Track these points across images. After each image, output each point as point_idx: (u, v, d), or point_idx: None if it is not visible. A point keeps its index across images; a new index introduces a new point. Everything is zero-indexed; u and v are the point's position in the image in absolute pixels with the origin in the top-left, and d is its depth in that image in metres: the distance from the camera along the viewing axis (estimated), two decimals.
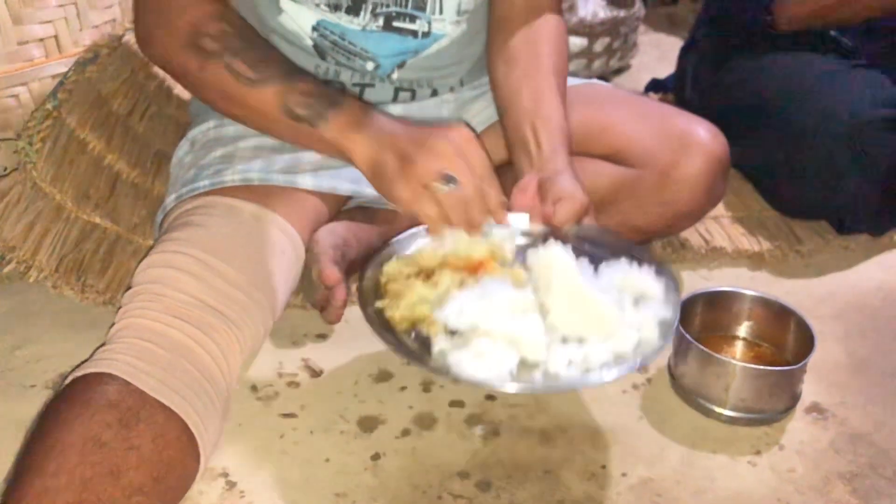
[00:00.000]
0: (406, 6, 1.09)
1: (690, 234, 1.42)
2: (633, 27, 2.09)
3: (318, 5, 1.07)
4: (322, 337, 1.20)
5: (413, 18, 1.10)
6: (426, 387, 1.11)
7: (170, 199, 1.09)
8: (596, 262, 0.92)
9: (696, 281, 1.34)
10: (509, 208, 0.95)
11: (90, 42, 1.40)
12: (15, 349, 1.15)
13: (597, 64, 2.03)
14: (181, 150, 1.18)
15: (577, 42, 1.96)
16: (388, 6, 1.08)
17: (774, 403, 1.06)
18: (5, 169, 1.36)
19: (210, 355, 0.87)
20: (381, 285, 0.92)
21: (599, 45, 2.01)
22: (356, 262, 1.21)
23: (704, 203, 1.16)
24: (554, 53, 1.13)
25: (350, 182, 1.09)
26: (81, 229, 1.26)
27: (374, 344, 1.18)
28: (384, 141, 0.92)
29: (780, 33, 1.52)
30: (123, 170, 1.37)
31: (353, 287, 1.26)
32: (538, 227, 0.96)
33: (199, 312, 0.88)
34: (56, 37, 1.36)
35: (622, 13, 2.05)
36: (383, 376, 1.13)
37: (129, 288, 0.92)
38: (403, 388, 1.11)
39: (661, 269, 0.93)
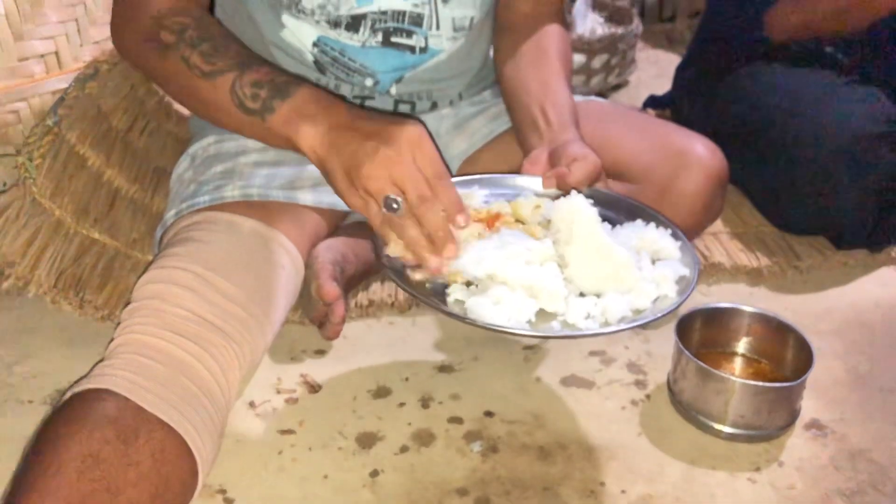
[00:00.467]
0: (403, 22, 1.09)
1: None
2: (631, 44, 2.10)
3: (318, 22, 1.08)
4: (320, 352, 1.19)
5: (410, 34, 1.11)
6: (425, 403, 1.11)
7: (169, 215, 1.09)
8: (611, 223, 0.92)
9: (695, 296, 1.32)
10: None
11: (90, 58, 1.41)
12: (13, 365, 1.15)
13: (595, 80, 2.04)
14: (181, 165, 1.19)
15: (575, 59, 1.97)
16: (385, 22, 1.09)
17: (774, 420, 1.06)
18: (5, 184, 1.36)
19: (209, 371, 0.86)
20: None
21: (598, 62, 2.02)
22: (355, 277, 1.21)
23: (703, 219, 1.17)
24: (559, 48, 1.17)
25: None
26: (80, 244, 1.26)
27: (373, 359, 1.18)
28: (332, 137, 0.86)
29: (775, 47, 1.53)
30: (123, 185, 1.38)
31: (352, 302, 1.26)
32: (552, 191, 0.95)
33: (199, 328, 0.88)
34: (57, 53, 1.37)
35: (620, 30, 2.06)
36: (382, 392, 1.12)
37: (128, 303, 0.92)
38: (402, 405, 1.11)
39: (676, 231, 0.92)
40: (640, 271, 0.86)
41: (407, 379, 1.15)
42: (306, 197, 1.09)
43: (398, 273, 0.86)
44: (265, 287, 0.97)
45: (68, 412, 0.79)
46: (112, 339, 0.88)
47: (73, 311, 1.20)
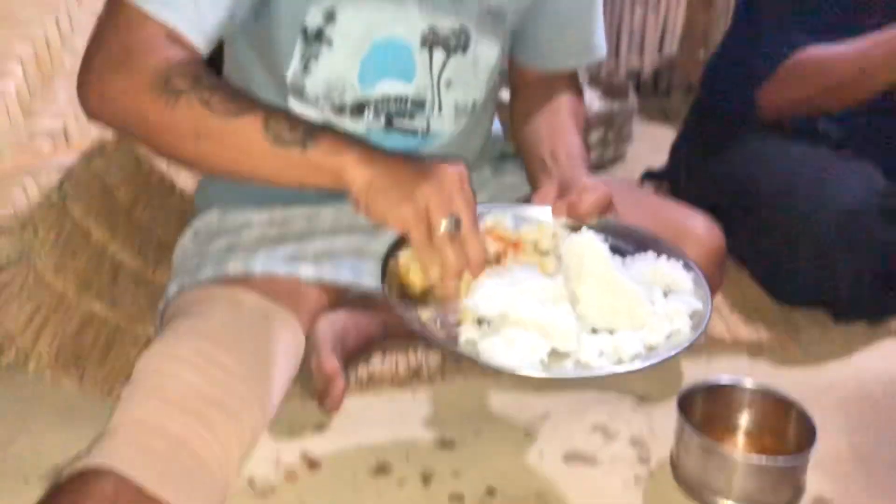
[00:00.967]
0: (406, 106, 1.12)
1: None
2: (628, 118, 2.14)
3: (322, 109, 1.10)
4: (320, 427, 1.18)
5: (413, 117, 1.13)
6: (426, 480, 1.09)
7: (172, 289, 1.10)
8: (622, 254, 0.91)
9: (696, 370, 1.34)
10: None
11: (97, 134, 1.43)
12: (10, 442, 1.14)
13: (592, 155, 2.07)
14: (185, 239, 1.20)
15: None
16: (389, 107, 1.11)
17: (778, 496, 1.05)
18: (9, 258, 1.37)
19: (209, 448, 0.86)
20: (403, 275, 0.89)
21: (594, 137, 2.05)
22: (355, 351, 1.21)
23: None
24: (571, 106, 1.21)
25: (351, 273, 1.10)
26: (82, 319, 1.26)
27: (373, 434, 1.17)
28: (383, 162, 0.86)
29: (769, 123, 1.56)
30: (126, 259, 1.38)
31: (352, 377, 1.26)
32: (562, 221, 0.95)
33: (199, 405, 0.87)
34: (65, 130, 1.40)
35: (616, 105, 2.10)
36: (382, 469, 1.11)
37: (129, 379, 0.92)
38: (402, 482, 1.09)
39: (689, 262, 0.92)
40: (652, 306, 0.85)
41: (407, 455, 1.13)
42: (308, 271, 1.09)
43: (410, 314, 0.85)
44: (266, 362, 0.98)
45: (66, 491, 0.78)
46: (112, 415, 0.88)
47: (72, 387, 1.20)
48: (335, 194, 1.19)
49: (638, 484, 1.10)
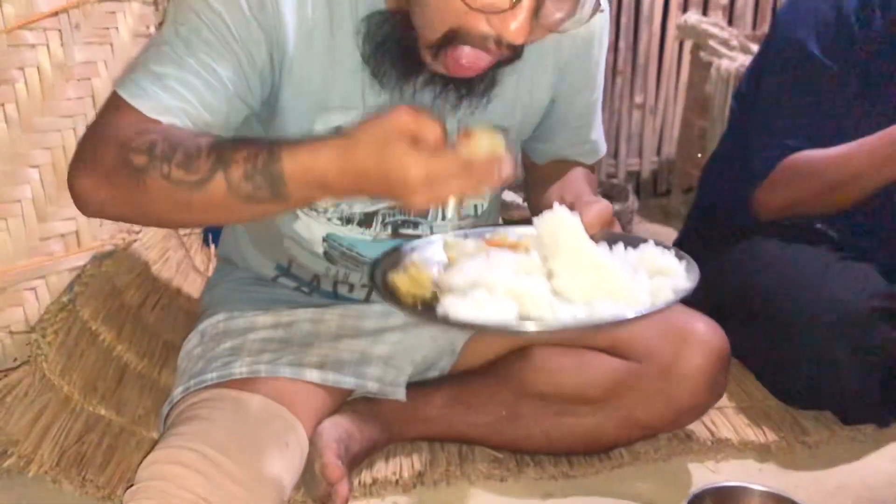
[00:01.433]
0: (409, 214, 1.15)
1: (695, 426, 1.40)
2: (628, 219, 2.16)
3: (329, 220, 1.13)
4: None
5: (416, 225, 1.16)
6: None
7: (177, 392, 1.10)
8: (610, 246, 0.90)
9: (704, 474, 1.32)
10: None
11: (108, 236, 1.46)
12: None
13: None
14: (190, 342, 1.21)
15: None
16: (395, 216, 1.14)
17: None
18: (15, 360, 1.37)
19: None
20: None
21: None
22: (359, 455, 1.20)
23: (706, 398, 1.17)
24: (584, 174, 1.23)
25: (354, 376, 1.11)
26: (86, 421, 1.26)
27: None
28: (344, 177, 0.81)
29: (767, 224, 1.57)
30: (132, 360, 1.39)
31: (356, 480, 1.24)
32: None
33: None
34: (77, 232, 1.43)
35: (617, 206, 2.13)
36: None
37: (131, 484, 0.91)
38: None
39: (682, 254, 0.90)
40: (635, 280, 0.82)
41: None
42: (312, 374, 1.10)
43: (391, 295, 0.84)
44: (270, 466, 0.97)
45: None
46: None
47: (73, 491, 1.18)
48: (340, 299, 1.21)
49: None
